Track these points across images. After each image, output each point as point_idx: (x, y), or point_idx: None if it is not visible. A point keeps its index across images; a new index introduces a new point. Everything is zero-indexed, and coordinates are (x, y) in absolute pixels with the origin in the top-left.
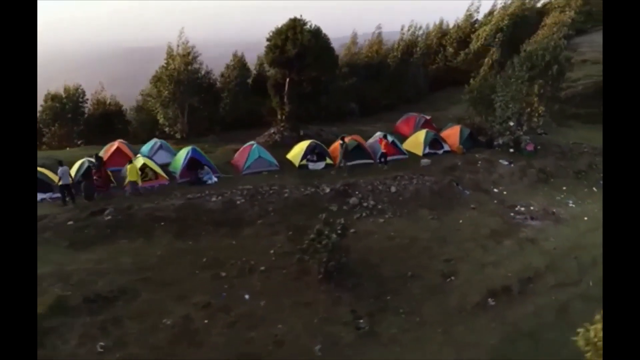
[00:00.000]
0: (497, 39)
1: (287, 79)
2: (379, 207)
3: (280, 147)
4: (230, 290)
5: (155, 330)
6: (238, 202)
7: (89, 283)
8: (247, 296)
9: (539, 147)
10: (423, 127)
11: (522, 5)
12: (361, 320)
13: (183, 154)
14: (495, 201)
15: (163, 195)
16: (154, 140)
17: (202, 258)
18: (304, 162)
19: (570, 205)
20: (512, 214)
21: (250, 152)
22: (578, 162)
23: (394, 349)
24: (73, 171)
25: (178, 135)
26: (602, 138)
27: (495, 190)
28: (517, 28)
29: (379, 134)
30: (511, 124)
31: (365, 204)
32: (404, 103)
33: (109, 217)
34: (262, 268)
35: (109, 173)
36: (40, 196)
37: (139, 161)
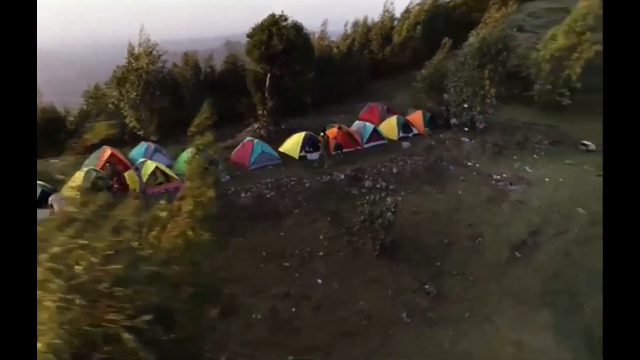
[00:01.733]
0: (417, 32)
1: (269, 75)
2: (391, 187)
3: (267, 142)
4: (301, 277)
5: (249, 327)
6: (268, 196)
7: None
8: (319, 281)
9: (486, 125)
10: (387, 113)
11: (435, 2)
12: (426, 286)
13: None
14: (475, 173)
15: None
16: (144, 143)
17: (261, 252)
18: (303, 153)
19: (529, 170)
20: (493, 182)
21: (252, 147)
22: (516, 135)
23: (465, 304)
24: (78, 183)
25: (154, 138)
26: (526, 114)
27: (469, 163)
28: (433, 22)
29: (357, 123)
30: (465, 106)
31: (378, 186)
32: (349, 95)
33: None
34: (320, 254)
35: (129, 179)
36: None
37: (150, 165)
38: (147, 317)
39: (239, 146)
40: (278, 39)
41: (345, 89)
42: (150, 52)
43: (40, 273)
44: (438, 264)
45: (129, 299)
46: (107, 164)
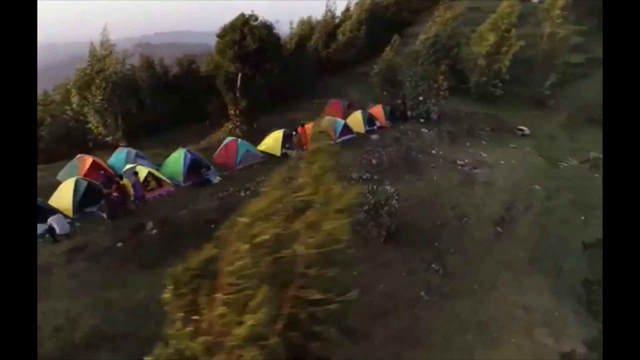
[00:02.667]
0: (361, 31)
1: (240, 74)
2: (375, 177)
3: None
4: None
5: None
6: (242, 194)
7: None
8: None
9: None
10: (349, 109)
11: (374, 2)
12: (433, 265)
13: (178, 157)
14: (441, 160)
15: (182, 201)
16: (124, 149)
17: None
18: (284, 150)
19: (483, 155)
20: (459, 167)
21: (237, 147)
22: (463, 124)
23: (471, 278)
24: (69, 197)
25: (122, 143)
26: (467, 104)
27: (433, 152)
28: (372, 22)
29: (328, 119)
30: (421, 99)
31: (364, 177)
32: (302, 92)
33: (155, 231)
34: None
35: (127, 186)
36: (42, 227)
37: (142, 170)
38: (353, 294)
39: (221, 147)
40: (251, 39)
41: (297, 86)
42: (110, 53)
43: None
44: (436, 244)
45: (332, 282)
46: (102, 173)
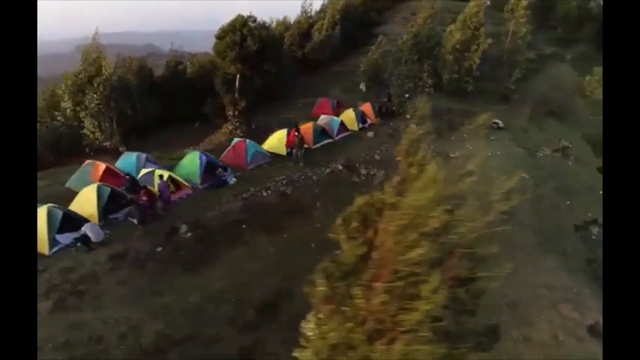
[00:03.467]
0: (336, 30)
1: (238, 75)
2: (382, 172)
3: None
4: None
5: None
6: (288, 192)
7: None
8: None
9: None
10: (337, 108)
11: (347, 2)
12: None
13: (192, 159)
14: (435, 153)
15: (204, 203)
16: (131, 153)
17: (311, 244)
18: (289, 149)
19: (470, 148)
20: (453, 160)
21: (246, 147)
22: (442, 119)
23: (494, 262)
24: (93, 203)
25: (123, 149)
26: (442, 100)
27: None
28: (347, 21)
29: (324, 117)
30: (407, 96)
31: (372, 172)
32: (283, 92)
33: (190, 234)
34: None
35: (154, 191)
36: (73, 235)
37: (164, 174)
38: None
39: (229, 148)
40: (252, 40)
41: (279, 86)
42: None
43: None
44: None
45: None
46: (127, 177)
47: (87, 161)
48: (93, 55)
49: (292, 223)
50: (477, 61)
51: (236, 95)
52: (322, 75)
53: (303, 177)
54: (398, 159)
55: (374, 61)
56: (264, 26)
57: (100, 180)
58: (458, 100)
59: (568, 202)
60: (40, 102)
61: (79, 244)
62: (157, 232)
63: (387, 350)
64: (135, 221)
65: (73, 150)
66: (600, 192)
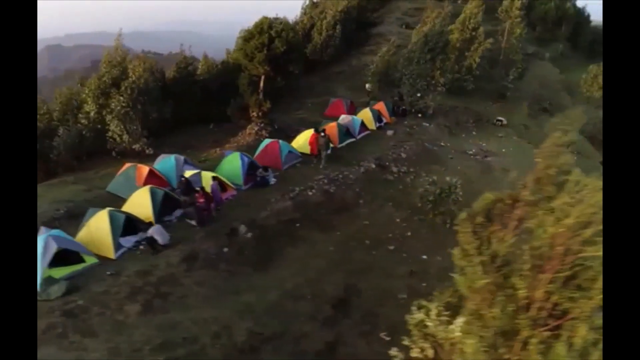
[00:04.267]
0: (337, 31)
1: (263, 76)
2: (411, 169)
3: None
4: (410, 256)
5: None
6: (332, 191)
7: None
8: (424, 257)
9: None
10: (350, 108)
11: (349, 3)
12: None
13: (233, 161)
14: (453, 150)
15: (252, 203)
16: (170, 155)
17: (364, 240)
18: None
19: (483, 145)
20: (472, 157)
21: (280, 148)
22: (450, 117)
23: None
24: (147, 206)
25: (150, 151)
26: (445, 98)
27: (442, 143)
28: (346, 22)
29: (345, 117)
30: (419, 95)
31: (403, 170)
32: (288, 92)
33: (250, 234)
34: (409, 234)
35: (210, 193)
36: (134, 238)
37: (208, 176)
38: None
39: (261, 148)
40: (280, 42)
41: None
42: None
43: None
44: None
45: None
46: (182, 179)
47: (128, 164)
48: (117, 57)
49: (341, 221)
50: (478, 60)
51: (260, 96)
52: (322, 75)
53: (341, 175)
54: (537, 159)
55: (385, 61)
56: (291, 28)
57: (144, 183)
58: (458, 98)
59: None
60: (57, 105)
61: (141, 247)
62: (217, 234)
63: (555, 335)
64: (193, 223)
65: (95, 153)
66: None
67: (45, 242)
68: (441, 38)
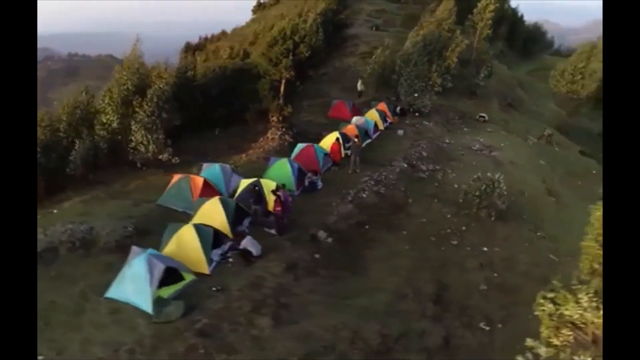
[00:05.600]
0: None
1: (283, 80)
2: (437, 167)
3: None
4: (472, 250)
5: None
6: (382, 192)
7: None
8: (485, 249)
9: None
10: (353, 109)
11: (327, 7)
12: (539, 233)
13: (282, 167)
14: (459, 147)
15: (312, 208)
16: (213, 164)
17: (429, 238)
18: (345, 150)
19: (481, 140)
20: (478, 152)
21: (315, 151)
22: (442, 115)
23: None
24: (221, 217)
25: (176, 160)
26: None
27: (447, 140)
28: (326, 24)
29: (358, 119)
30: (416, 95)
31: (430, 168)
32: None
33: (329, 239)
34: (463, 228)
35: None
36: (219, 251)
37: (270, 184)
38: None
39: (296, 153)
40: (305, 47)
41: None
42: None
43: None
44: (524, 217)
45: None
46: (256, 188)
47: (177, 176)
48: (135, 64)
49: (401, 220)
50: (455, 60)
51: (281, 100)
52: (309, 78)
53: (383, 176)
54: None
55: (381, 63)
56: (315, 33)
57: (200, 195)
58: (440, 97)
59: (579, 182)
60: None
61: (230, 259)
62: (299, 241)
63: None
64: (273, 231)
65: (108, 165)
66: (594, 171)
67: (149, 262)
68: (439, 41)
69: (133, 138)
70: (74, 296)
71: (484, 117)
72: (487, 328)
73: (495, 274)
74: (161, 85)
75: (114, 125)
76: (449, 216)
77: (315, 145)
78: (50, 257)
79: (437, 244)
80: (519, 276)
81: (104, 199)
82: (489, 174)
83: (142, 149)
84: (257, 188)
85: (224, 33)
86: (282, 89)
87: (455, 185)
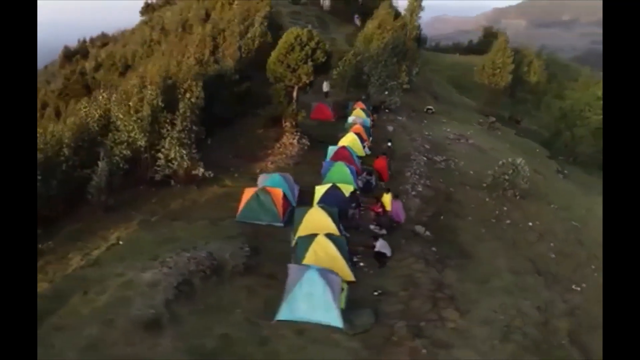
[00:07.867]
0: (268, 37)
1: (296, 86)
2: (443, 157)
3: (314, 149)
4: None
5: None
6: (429, 184)
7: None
8: (530, 223)
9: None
10: (334, 109)
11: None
12: (552, 206)
13: (340, 170)
14: (440, 137)
15: None
16: (273, 174)
17: (490, 219)
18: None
19: (448, 130)
20: (456, 140)
21: (350, 153)
22: (404, 110)
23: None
24: (329, 224)
25: (210, 174)
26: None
27: (426, 133)
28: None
29: (355, 119)
30: (386, 93)
31: (443, 159)
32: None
33: (427, 233)
34: (505, 208)
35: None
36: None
37: (347, 187)
38: None
39: (331, 155)
40: (321, 53)
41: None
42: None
43: None
44: (536, 193)
45: None
46: (357, 192)
47: (250, 190)
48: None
49: (456, 207)
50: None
51: (295, 106)
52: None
53: (418, 170)
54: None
55: (353, 65)
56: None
57: (282, 206)
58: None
59: (538, 160)
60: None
61: (360, 263)
62: (407, 237)
63: None
64: (384, 231)
65: (126, 186)
66: (537, 149)
67: (325, 277)
68: (404, 45)
69: (162, 155)
70: (242, 325)
71: (431, 109)
72: (578, 289)
73: (552, 244)
74: (193, 99)
75: (141, 142)
76: (487, 199)
77: (347, 146)
78: (189, 290)
79: (498, 226)
80: (567, 243)
81: (163, 224)
82: (509, 159)
83: (175, 165)
84: (357, 192)
85: (112, 37)
86: (294, 94)
87: (471, 172)
